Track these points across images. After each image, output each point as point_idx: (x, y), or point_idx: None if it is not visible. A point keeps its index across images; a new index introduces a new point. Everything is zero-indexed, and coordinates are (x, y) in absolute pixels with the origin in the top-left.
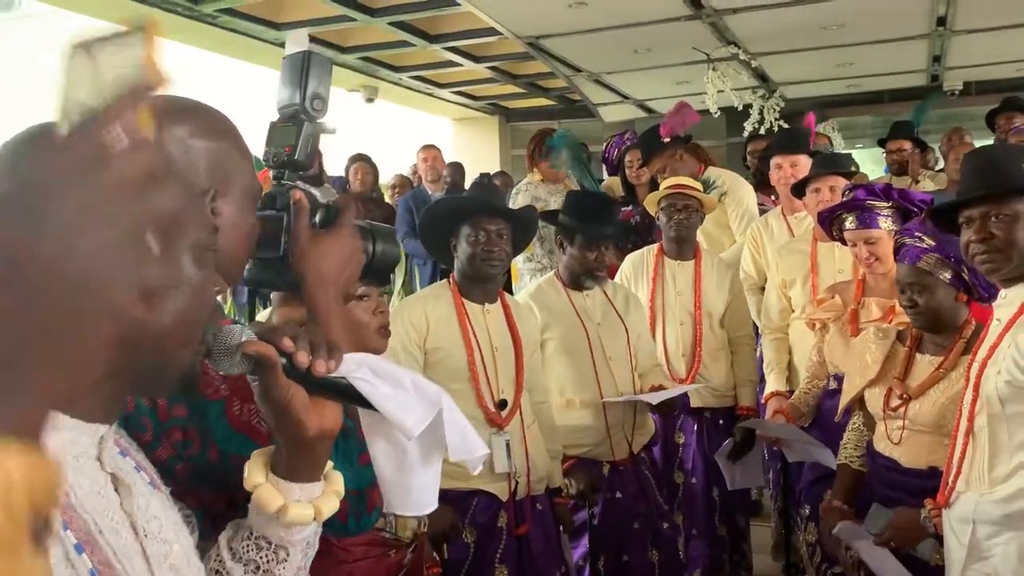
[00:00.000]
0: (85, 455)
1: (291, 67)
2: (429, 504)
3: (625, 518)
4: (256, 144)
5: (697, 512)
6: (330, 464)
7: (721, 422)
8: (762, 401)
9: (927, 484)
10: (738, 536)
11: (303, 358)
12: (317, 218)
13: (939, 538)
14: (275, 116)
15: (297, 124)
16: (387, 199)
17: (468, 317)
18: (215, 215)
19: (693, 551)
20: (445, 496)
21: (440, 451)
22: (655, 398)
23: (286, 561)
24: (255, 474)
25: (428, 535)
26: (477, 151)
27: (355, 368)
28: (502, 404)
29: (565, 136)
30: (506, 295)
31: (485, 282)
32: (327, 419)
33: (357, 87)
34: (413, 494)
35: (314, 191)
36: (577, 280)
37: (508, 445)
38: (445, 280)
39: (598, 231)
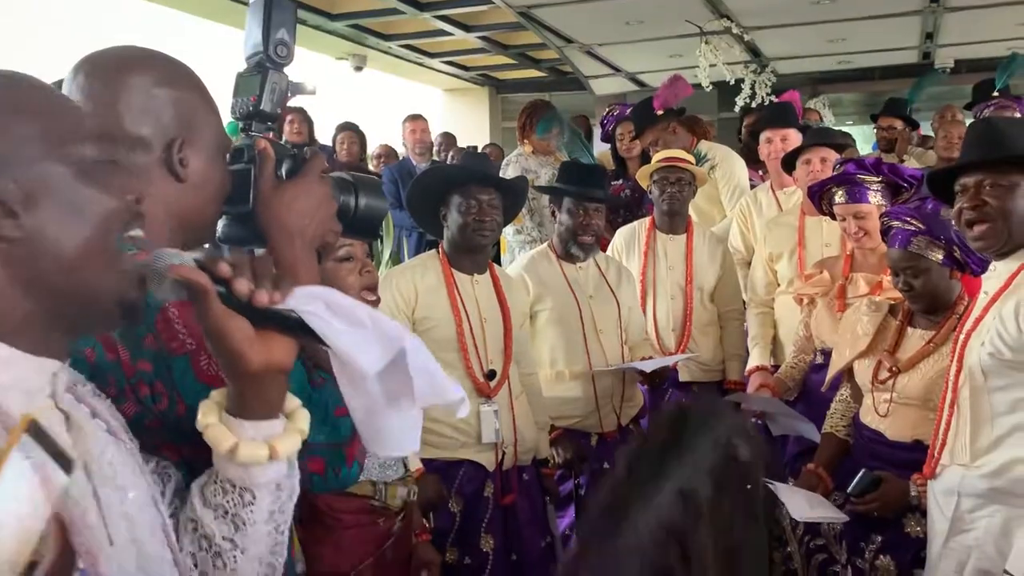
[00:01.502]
0: (39, 392)
1: (255, 13)
2: (409, 445)
3: None
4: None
5: None
6: (297, 403)
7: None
8: (745, 374)
9: (912, 457)
10: None
11: (242, 286)
12: (284, 168)
13: (922, 511)
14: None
15: (262, 72)
16: (371, 168)
17: (457, 287)
18: (183, 166)
19: None
20: (432, 465)
21: (408, 395)
22: (648, 366)
23: (253, 504)
24: (207, 414)
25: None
26: (467, 122)
27: (307, 302)
28: (490, 374)
29: (563, 116)
30: (495, 266)
31: (475, 252)
32: (275, 353)
33: (345, 55)
34: (386, 435)
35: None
36: (568, 249)
37: (496, 415)
38: (434, 250)
39: (585, 192)
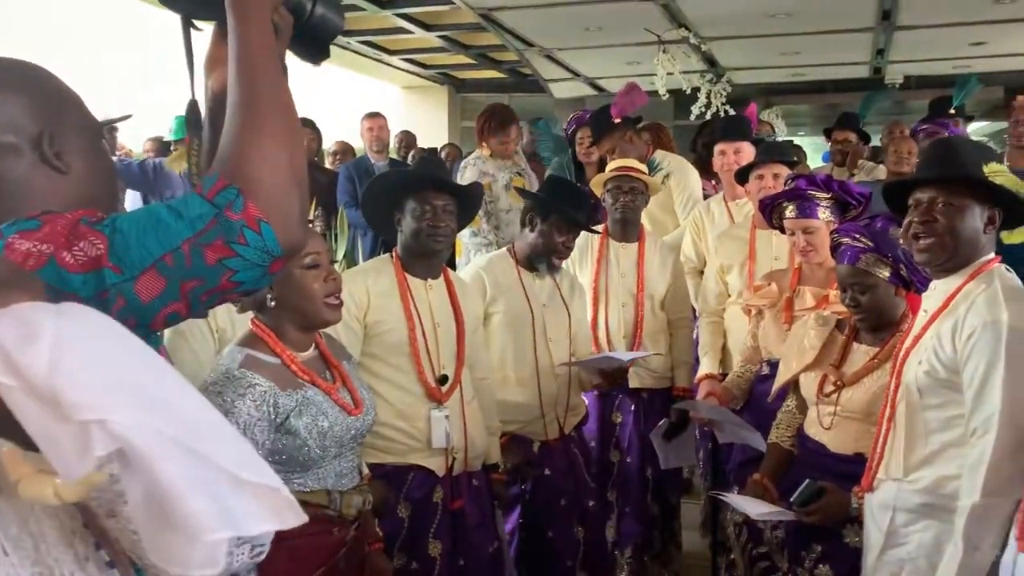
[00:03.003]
0: None
1: None
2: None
3: (553, 495)
4: None
5: (631, 490)
6: None
7: (658, 403)
8: (694, 382)
9: (853, 469)
10: (669, 514)
11: None
12: None
13: (861, 523)
14: None
15: None
16: (327, 165)
17: (410, 292)
18: (60, 159)
19: (625, 528)
20: (380, 471)
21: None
22: (624, 356)
23: None
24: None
25: None
26: (426, 121)
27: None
28: (442, 380)
29: (548, 127)
30: (449, 271)
31: (429, 257)
32: None
33: None
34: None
35: None
36: (533, 261)
37: (447, 420)
38: (388, 254)
39: (576, 215)
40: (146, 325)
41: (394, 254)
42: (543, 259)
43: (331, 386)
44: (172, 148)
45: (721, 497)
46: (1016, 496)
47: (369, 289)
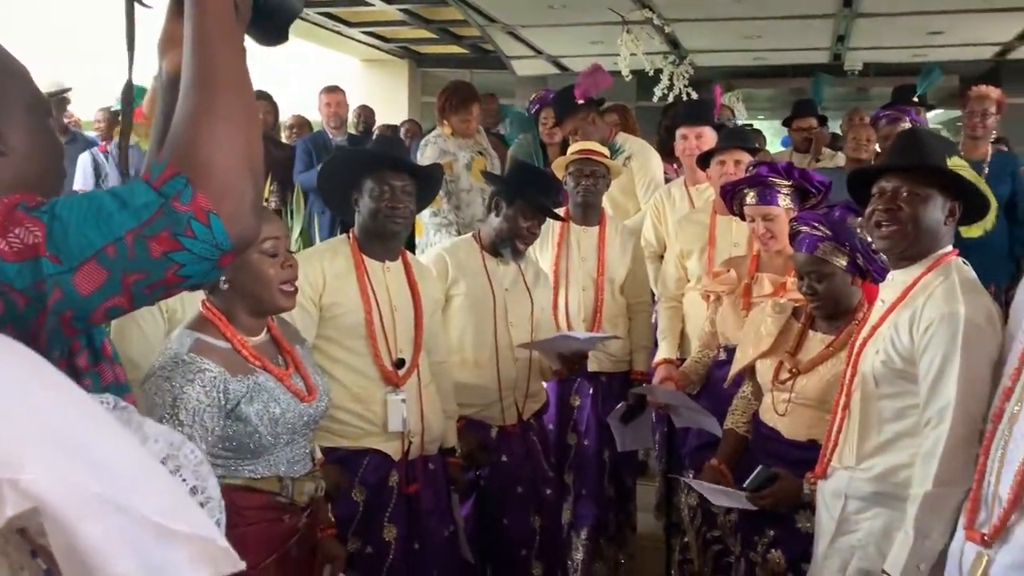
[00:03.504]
0: None
1: None
2: None
3: (509, 482)
4: None
5: (587, 473)
6: None
7: (616, 386)
8: (652, 366)
9: (806, 455)
10: (625, 496)
11: None
12: None
13: (813, 508)
14: None
15: None
16: (284, 139)
17: (367, 274)
18: (2, 153)
19: (581, 510)
20: (335, 455)
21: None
22: (580, 335)
23: None
24: None
25: None
26: (385, 95)
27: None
28: (399, 363)
29: (517, 114)
30: (408, 253)
31: (387, 239)
32: None
33: None
34: None
35: None
36: (497, 246)
37: (403, 404)
38: (345, 235)
39: (542, 200)
40: (84, 319)
41: (351, 235)
42: (507, 244)
43: (283, 372)
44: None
45: (684, 480)
46: (966, 486)
47: (325, 271)
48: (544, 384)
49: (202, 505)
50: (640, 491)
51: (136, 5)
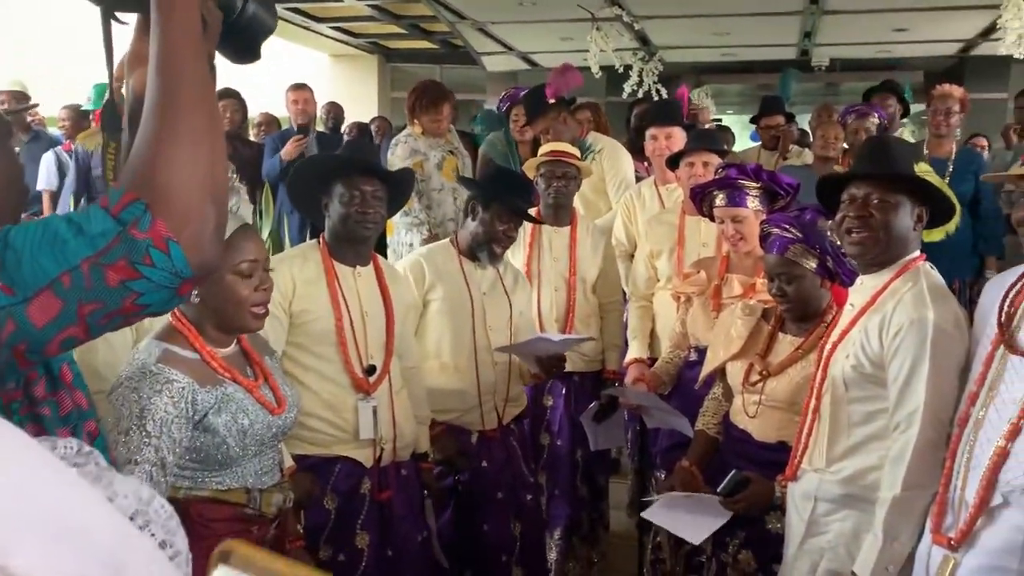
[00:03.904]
0: None
1: None
2: None
3: (489, 488)
4: None
5: (560, 473)
6: None
7: (588, 386)
8: (623, 366)
9: (776, 457)
10: (598, 495)
11: None
12: None
13: (783, 510)
14: None
15: None
16: (252, 137)
17: (338, 279)
18: None
19: (554, 510)
20: (306, 462)
21: None
22: (555, 337)
23: None
24: None
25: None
26: (355, 90)
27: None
28: (370, 370)
29: (488, 111)
30: (379, 258)
31: (357, 244)
32: None
33: None
34: None
35: None
36: (474, 250)
37: (375, 411)
38: (315, 240)
39: (518, 203)
40: (39, 351)
41: (321, 240)
42: (484, 247)
43: (253, 383)
44: (91, 117)
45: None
46: (933, 489)
47: (295, 277)
48: (523, 388)
49: (171, 559)
50: (612, 489)
51: (113, 21)
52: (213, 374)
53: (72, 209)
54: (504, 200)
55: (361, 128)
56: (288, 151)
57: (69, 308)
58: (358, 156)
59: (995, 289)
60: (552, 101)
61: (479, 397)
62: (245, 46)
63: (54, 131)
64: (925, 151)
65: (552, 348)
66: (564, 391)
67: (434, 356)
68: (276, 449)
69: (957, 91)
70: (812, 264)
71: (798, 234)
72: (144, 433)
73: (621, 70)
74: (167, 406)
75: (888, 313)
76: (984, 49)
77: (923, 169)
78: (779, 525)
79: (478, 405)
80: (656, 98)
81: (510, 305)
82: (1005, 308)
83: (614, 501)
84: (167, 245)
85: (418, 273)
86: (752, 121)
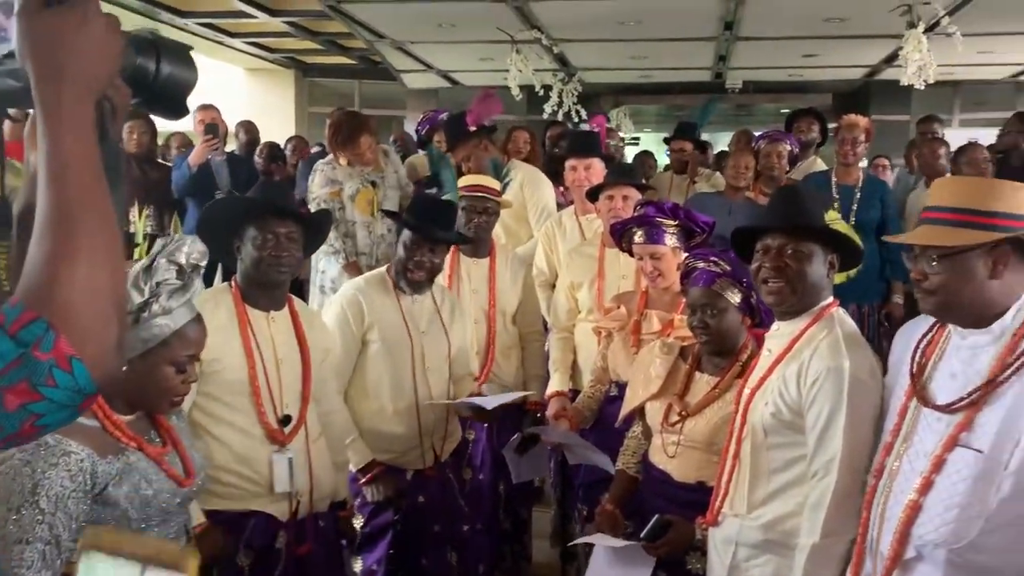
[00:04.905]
0: None
1: None
2: None
3: (427, 522)
4: None
5: (482, 507)
6: None
7: (511, 418)
8: (545, 398)
9: (695, 498)
10: (520, 528)
11: None
12: None
13: (703, 551)
14: None
15: None
16: (173, 155)
17: (251, 326)
18: None
19: (477, 545)
20: (218, 518)
21: None
22: (488, 403)
23: None
24: None
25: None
26: (271, 105)
27: None
28: (286, 420)
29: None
30: (295, 300)
31: (271, 288)
32: None
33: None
34: None
35: None
36: (398, 281)
37: (291, 463)
38: (226, 283)
39: (428, 232)
40: None
41: (233, 283)
42: (402, 275)
43: (160, 451)
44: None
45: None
46: (851, 535)
47: (206, 323)
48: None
49: None
50: (535, 518)
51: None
52: (115, 443)
53: None
54: (415, 228)
55: (272, 151)
56: (196, 154)
57: None
58: (272, 198)
59: (906, 337)
60: (473, 128)
61: (419, 438)
62: (170, 105)
63: None
64: (833, 178)
65: (485, 405)
66: (486, 424)
67: (373, 398)
68: (183, 515)
69: (863, 121)
70: (736, 298)
71: (726, 267)
72: (37, 510)
73: (541, 92)
74: (63, 480)
75: (805, 361)
76: (888, 74)
77: (831, 217)
78: (700, 565)
79: (418, 446)
80: (576, 119)
81: (448, 343)
82: (916, 359)
83: (537, 530)
84: (70, 363)
85: (356, 310)
86: (665, 141)
